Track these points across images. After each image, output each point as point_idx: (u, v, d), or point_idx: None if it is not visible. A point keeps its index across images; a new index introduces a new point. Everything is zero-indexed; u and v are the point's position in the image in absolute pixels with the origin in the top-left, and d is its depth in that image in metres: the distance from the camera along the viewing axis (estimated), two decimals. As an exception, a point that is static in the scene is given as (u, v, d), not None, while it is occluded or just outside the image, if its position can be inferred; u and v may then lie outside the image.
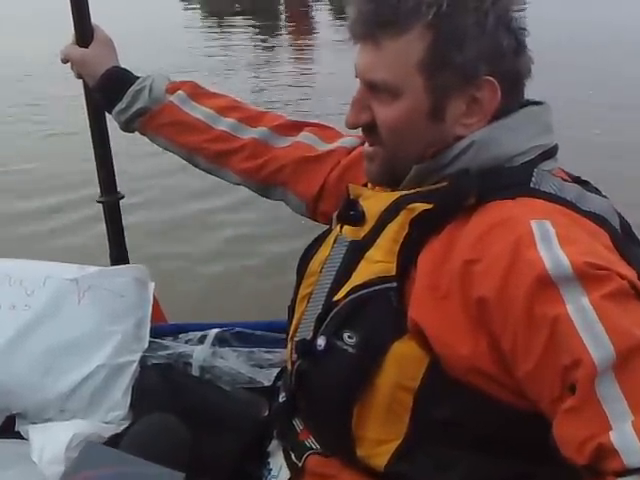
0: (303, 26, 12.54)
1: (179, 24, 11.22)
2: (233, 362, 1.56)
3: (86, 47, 1.45)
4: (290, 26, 12.71)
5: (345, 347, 0.96)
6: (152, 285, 1.59)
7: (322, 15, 12.99)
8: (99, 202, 1.65)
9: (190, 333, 1.62)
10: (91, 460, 1.01)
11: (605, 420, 0.75)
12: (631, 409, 0.75)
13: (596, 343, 0.77)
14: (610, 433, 0.75)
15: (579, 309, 0.80)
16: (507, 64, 0.99)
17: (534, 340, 0.82)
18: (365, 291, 0.98)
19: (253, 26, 11.62)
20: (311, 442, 1.07)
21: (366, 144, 1.09)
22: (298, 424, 1.10)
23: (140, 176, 4.41)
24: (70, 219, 3.99)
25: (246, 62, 8.74)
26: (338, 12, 11.52)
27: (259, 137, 1.38)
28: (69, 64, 1.48)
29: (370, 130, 1.05)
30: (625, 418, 0.75)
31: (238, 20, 11.99)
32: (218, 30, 11.26)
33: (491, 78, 0.97)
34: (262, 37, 10.77)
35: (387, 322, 0.94)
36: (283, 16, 13.86)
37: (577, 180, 1.04)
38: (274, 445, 1.18)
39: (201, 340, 1.60)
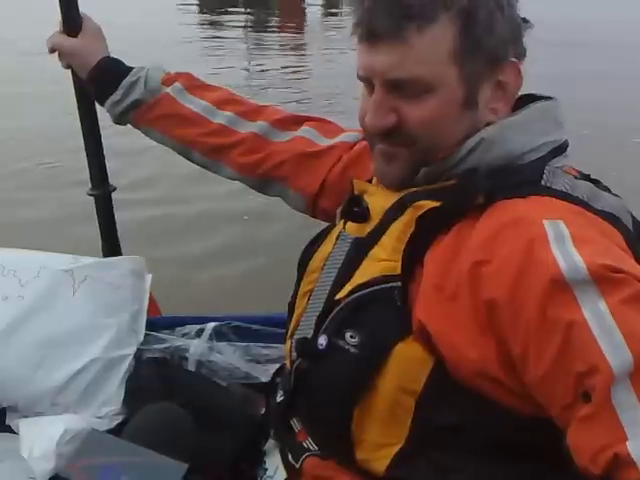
0: (297, 19, 12.61)
1: (172, 18, 11.20)
2: (230, 357, 1.55)
3: (75, 37, 1.39)
4: (283, 19, 12.75)
5: (347, 347, 0.94)
6: (149, 277, 1.56)
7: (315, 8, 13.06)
8: (90, 195, 1.60)
9: (187, 326, 1.60)
10: (95, 448, 1.00)
11: (621, 429, 0.73)
12: None
13: (614, 350, 0.75)
14: (627, 443, 0.72)
15: (595, 314, 0.77)
16: (522, 45, 0.98)
17: (547, 344, 0.79)
18: (368, 290, 0.95)
19: (246, 20, 11.63)
20: (309, 443, 1.05)
21: (379, 144, 1.02)
22: (296, 424, 1.08)
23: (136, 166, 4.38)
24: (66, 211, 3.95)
25: (240, 55, 8.73)
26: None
27: (258, 131, 1.34)
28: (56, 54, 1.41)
29: (393, 131, 0.98)
30: None
31: (232, 13, 12.00)
32: (212, 23, 11.26)
33: (515, 60, 0.96)
34: (255, 30, 10.78)
35: (391, 322, 0.92)
36: (276, 10, 13.90)
37: (587, 178, 1.01)
38: (270, 445, 1.16)
39: (198, 334, 1.59)
